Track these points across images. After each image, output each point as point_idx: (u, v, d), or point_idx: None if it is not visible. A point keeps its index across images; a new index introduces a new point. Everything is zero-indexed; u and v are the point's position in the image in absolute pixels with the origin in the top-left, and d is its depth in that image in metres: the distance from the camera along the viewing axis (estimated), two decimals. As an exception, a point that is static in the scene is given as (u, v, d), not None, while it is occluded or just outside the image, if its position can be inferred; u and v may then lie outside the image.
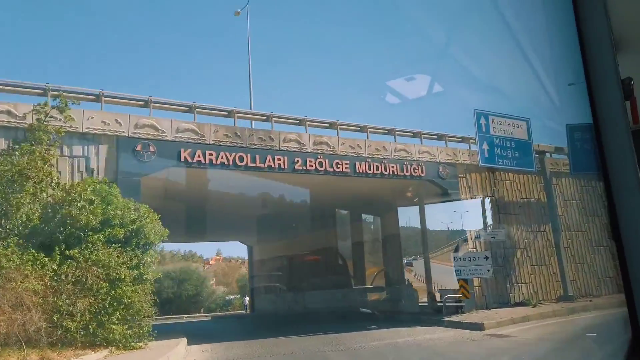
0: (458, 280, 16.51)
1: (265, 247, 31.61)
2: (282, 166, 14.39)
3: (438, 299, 17.75)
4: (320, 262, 26.16)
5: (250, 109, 18.87)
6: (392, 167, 16.54)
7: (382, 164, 16.34)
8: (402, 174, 16.71)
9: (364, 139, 16.47)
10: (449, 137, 18.85)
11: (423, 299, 19.72)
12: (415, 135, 18.16)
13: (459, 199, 17.77)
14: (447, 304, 17.25)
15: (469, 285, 16.61)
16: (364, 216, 24.52)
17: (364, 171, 15.94)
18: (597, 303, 16.90)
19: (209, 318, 31.96)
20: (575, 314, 15.47)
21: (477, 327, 13.38)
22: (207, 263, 77.69)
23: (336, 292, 24.24)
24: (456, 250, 18.91)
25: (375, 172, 16.16)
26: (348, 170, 15.65)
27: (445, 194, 17.73)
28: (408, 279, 22.33)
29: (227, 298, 44.99)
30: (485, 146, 17.69)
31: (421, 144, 17.87)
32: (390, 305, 20.16)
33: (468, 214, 21.17)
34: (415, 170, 16.99)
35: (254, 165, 13.91)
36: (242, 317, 31.08)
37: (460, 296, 17.13)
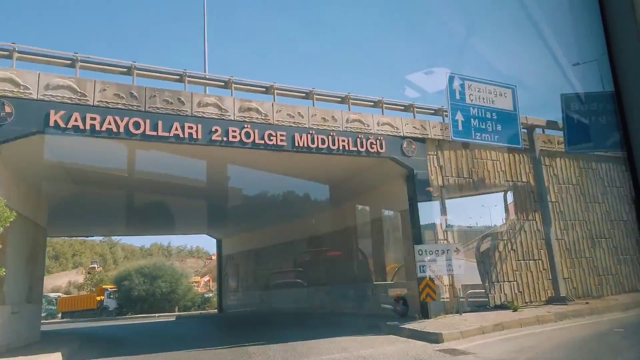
0: (422, 279, 13.61)
1: (235, 240, 28.92)
2: (195, 136, 11.53)
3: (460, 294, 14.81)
4: (296, 256, 23.31)
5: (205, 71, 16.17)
6: (342, 140, 13.61)
7: (330, 137, 13.42)
8: (355, 149, 13.78)
9: (308, 107, 13.55)
10: (417, 108, 15.86)
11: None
12: (375, 104, 15.21)
13: (426, 180, 14.78)
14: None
15: (435, 284, 13.69)
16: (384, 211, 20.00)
17: (305, 145, 13.03)
18: (596, 306, 13.91)
19: (174, 318, 29.31)
20: (565, 320, 12.48)
21: (434, 338, 10.49)
22: (210, 259, 75.51)
23: (314, 290, 21.40)
24: (477, 247, 15.96)
25: (320, 146, 13.24)
26: (284, 143, 12.75)
27: (411, 175, 14.77)
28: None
29: (205, 296, 42.35)
30: (459, 116, 14.71)
31: (382, 114, 14.92)
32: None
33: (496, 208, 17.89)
34: (372, 146, 14.04)
35: (155, 133, 11.06)
36: (205, 318, 28.36)
37: (482, 292, 14.85)
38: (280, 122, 12.83)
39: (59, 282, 75.33)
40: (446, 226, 14.76)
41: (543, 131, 17.94)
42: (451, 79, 14.73)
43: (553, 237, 15.67)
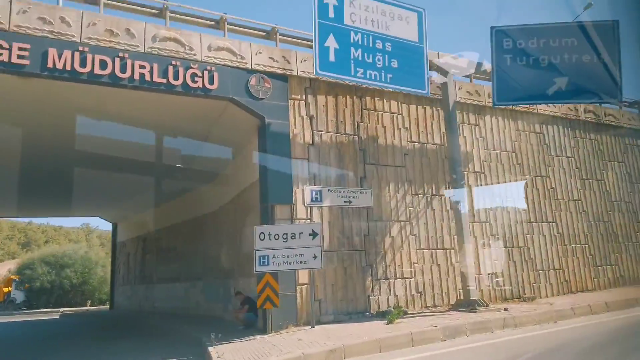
0: (262, 275, 9.20)
1: (128, 224, 24.25)
2: None
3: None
4: (174, 244, 18.75)
5: None
6: (141, 67, 8.99)
7: (118, 59, 8.81)
8: (164, 81, 9.18)
9: (81, 11, 8.86)
10: (283, 35, 11.29)
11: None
12: (217, 24, 10.59)
13: (286, 134, 10.26)
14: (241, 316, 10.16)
15: (279, 282, 9.27)
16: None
17: (69, 67, 8.40)
18: (514, 315, 9.61)
19: (57, 316, 24.69)
20: (459, 337, 8.18)
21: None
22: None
23: (191, 287, 16.95)
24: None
25: (98, 71, 8.62)
26: (26, 61, 8.11)
27: (263, 126, 10.25)
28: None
29: (126, 288, 37.75)
30: (331, 42, 10.27)
31: (225, 37, 10.33)
32: None
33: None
34: (196, 78, 9.46)
35: None
36: (88, 316, 23.73)
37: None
38: (23, 29, 8.17)
39: (2, 270, 69.69)
40: (311, 200, 10.32)
41: (470, 80, 13.61)
42: (322, -12, 10.22)
43: (466, 218, 11.33)
